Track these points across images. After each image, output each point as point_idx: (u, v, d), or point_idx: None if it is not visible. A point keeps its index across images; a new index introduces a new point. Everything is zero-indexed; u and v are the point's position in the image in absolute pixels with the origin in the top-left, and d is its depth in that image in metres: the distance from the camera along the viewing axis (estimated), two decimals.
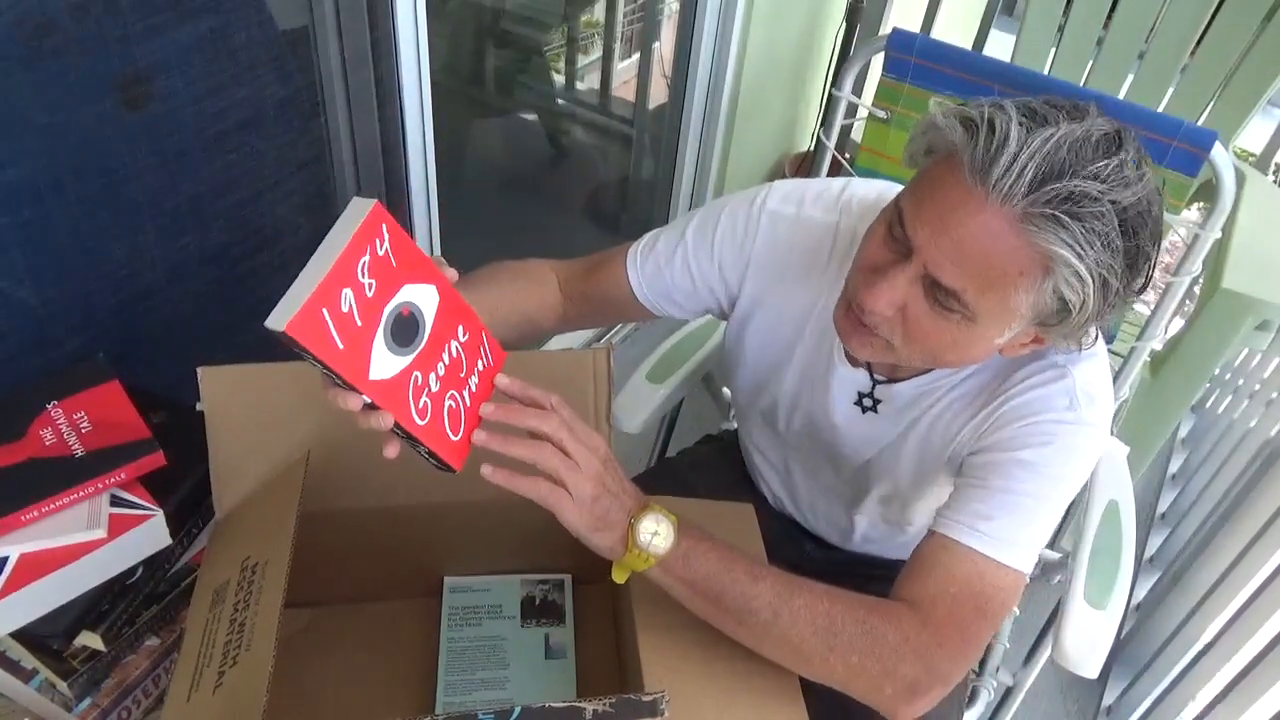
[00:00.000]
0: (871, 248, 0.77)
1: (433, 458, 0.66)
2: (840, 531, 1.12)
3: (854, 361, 0.91)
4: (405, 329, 0.63)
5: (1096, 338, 0.82)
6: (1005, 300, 0.71)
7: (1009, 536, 0.78)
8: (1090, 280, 0.68)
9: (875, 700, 0.74)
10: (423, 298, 0.65)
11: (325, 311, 0.56)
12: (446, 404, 0.67)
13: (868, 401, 0.93)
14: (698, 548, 0.73)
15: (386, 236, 0.61)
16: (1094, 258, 0.67)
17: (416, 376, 0.64)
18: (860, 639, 0.73)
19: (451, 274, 0.69)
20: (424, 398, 0.65)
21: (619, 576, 0.74)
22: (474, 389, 0.70)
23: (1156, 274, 0.76)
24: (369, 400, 0.61)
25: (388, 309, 0.62)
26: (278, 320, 0.53)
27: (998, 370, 0.85)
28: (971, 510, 0.79)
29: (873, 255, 0.77)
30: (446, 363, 0.67)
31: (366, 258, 0.59)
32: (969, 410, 0.87)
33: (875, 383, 0.92)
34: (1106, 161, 0.66)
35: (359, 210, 0.59)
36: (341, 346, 0.58)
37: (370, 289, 0.60)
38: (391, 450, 0.65)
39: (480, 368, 0.71)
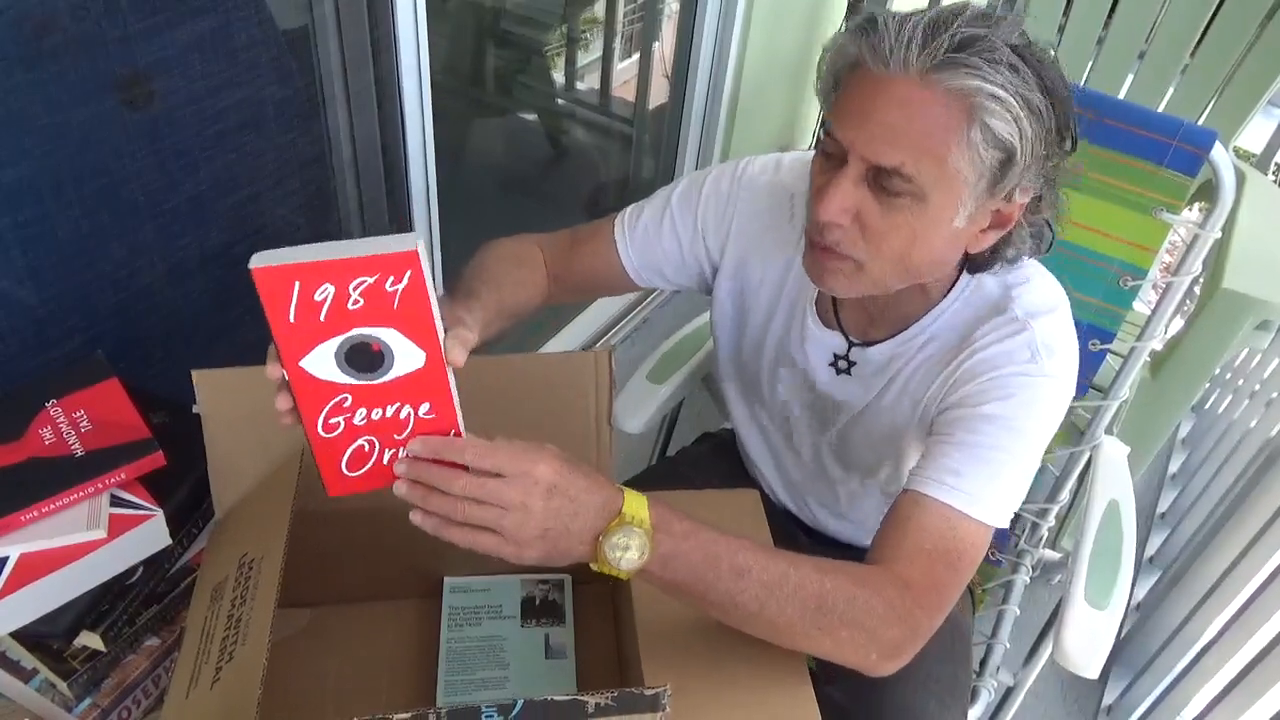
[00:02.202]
0: (814, 176, 0.81)
1: (315, 469, 0.66)
2: (834, 513, 1.13)
3: (827, 322, 0.95)
4: (364, 359, 0.62)
5: (1052, 243, 0.86)
6: (943, 165, 0.73)
7: (977, 490, 0.79)
8: (1014, 101, 0.71)
9: (859, 664, 0.74)
10: (402, 350, 0.62)
11: (297, 284, 0.58)
12: (358, 442, 0.65)
13: (842, 364, 0.96)
14: (677, 550, 0.68)
15: (405, 281, 0.60)
16: (1005, 79, 0.70)
17: (345, 399, 0.63)
18: (847, 612, 0.72)
19: (459, 357, 0.65)
20: (339, 419, 0.64)
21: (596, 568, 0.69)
22: (395, 457, 0.67)
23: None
24: (286, 378, 0.61)
25: (358, 331, 0.61)
26: (258, 260, 0.57)
27: (962, 328, 0.88)
28: (940, 465, 0.81)
29: (815, 178, 0.80)
30: (387, 416, 0.64)
31: (370, 280, 0.59)
32: (936, 368, 0.89)
33: (850, 344, 0.94)
34: (984, 14, 0.73)
35: (401, 243, 0.59)
36: (292, 320, 0.59)
37: (353, 304, 0.60)
38: (284, 412, 0.64)
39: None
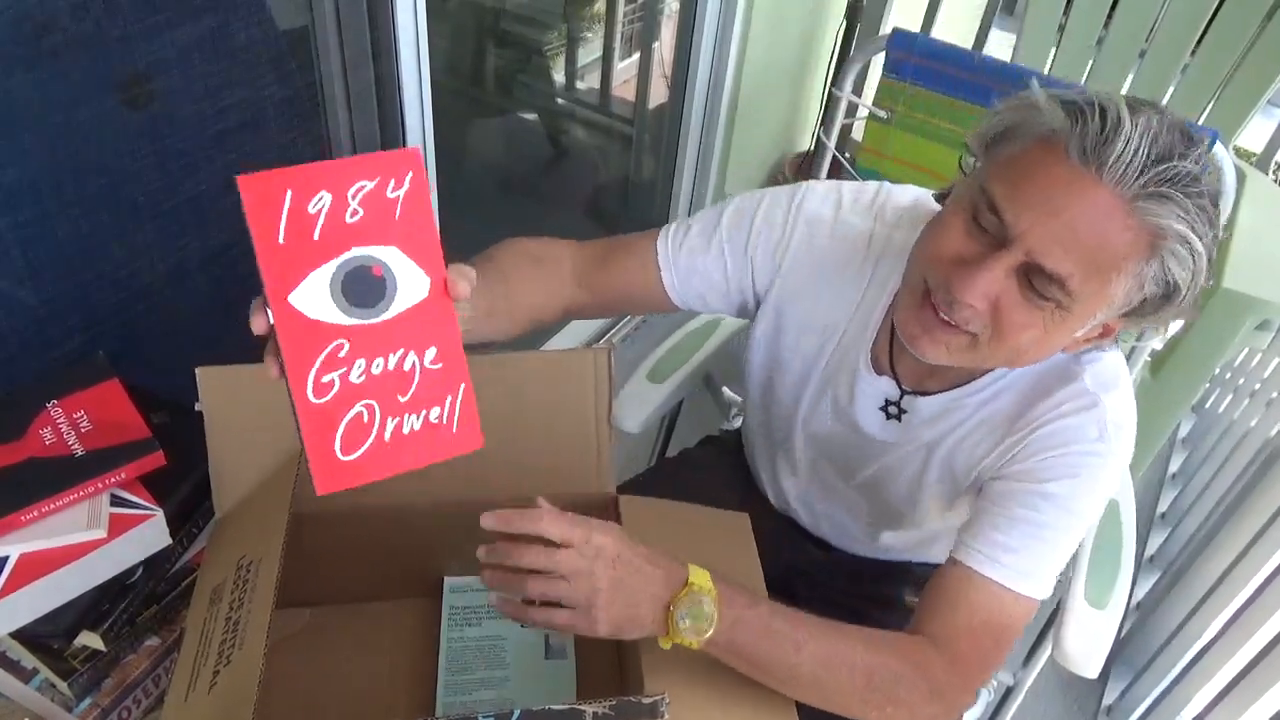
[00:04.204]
0: (953, 239, 0.74)
1: (302, 455, 0.57)
2: (848, 536, 1.12)
3: (879, 368, 0.91)
4: (364, 288, 0.55)
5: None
6: (1106, 286, 0.70)
7: (1029, 568, 0.80)
8: (1201, 250, 0.68)
9: None
10: (406, 275, 0.56)
11: (289, 193, 0.51)
12: (356, 409, 0.56)
13: (893, 409, 0.92)
14: (741, 620, 0.71)
15: (406, 184, 0.54)
16: (1202, 229, 0.67)
17: (341, 345, 0.55)
18: (894, 691, 0.75)
19: (463, 289, 0.60)
20: (334, 375, 0.55)
21: (664, 644, 0.72)
22: (402, 431, 0.58)
23: None
24: (272, 324, 0.53)
25: (356, 251, 0.54)
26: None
27: (1027, 392, 0.84)
28: (993, 540, 0.80)
29: (957, 247, 0.74)
30: (389, 369, 0.56)
31: (370, 185, 0.53)
32: (995, 434, 0.86)
33: (903, 393, 0.91)
34: (1196, 149, 0.68)
35: (401, 154, 0.54)
36: (282, 241, 0.52)
37: (352, 215, 0.53)
38: (273, 369, 0.56)
39: (430, 417, 0.59)
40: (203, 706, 0.64)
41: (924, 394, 0.90)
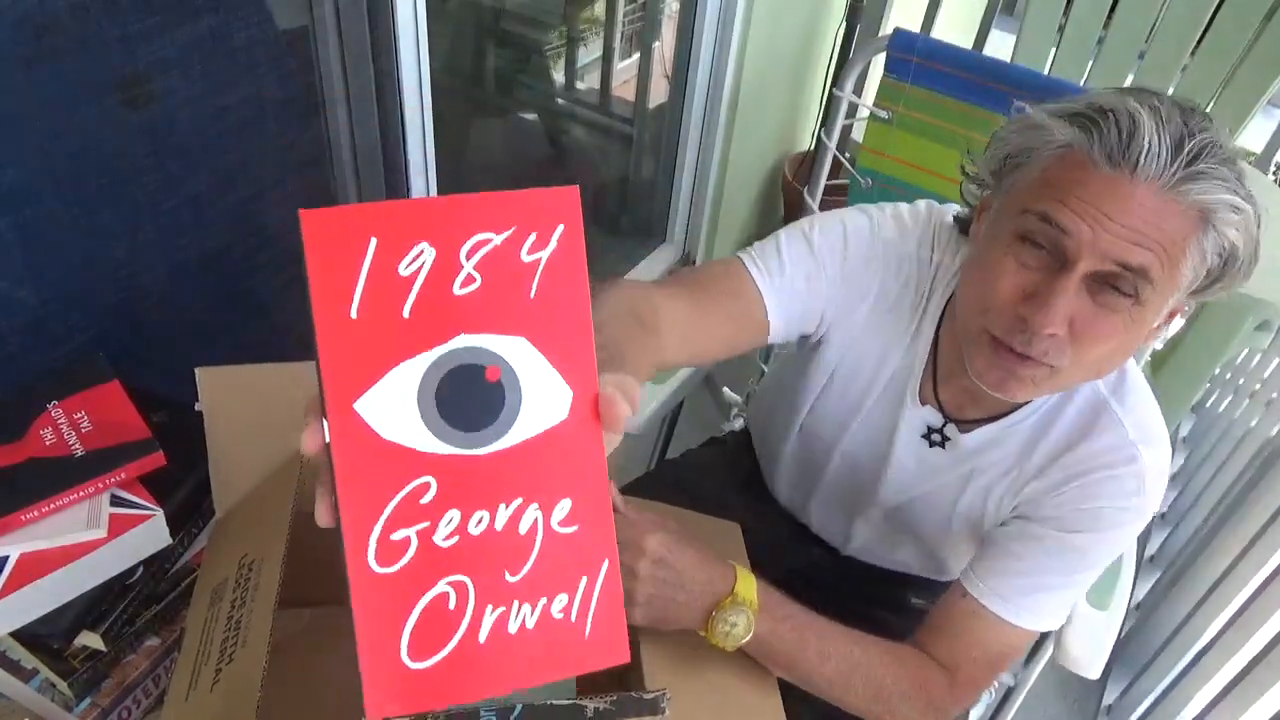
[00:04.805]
0: (1009, 280, 0.73)
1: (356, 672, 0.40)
2: (865, 550, 1.11)
3: (924, 398, 0.91)
4: (470, 398, 0.37)
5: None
6: (1177, 271, 0.71)
7: (1041, 609, 0.82)
8: (1248, 208, 0.69)
9: None
10: (537, 384, 0.37)
11: (373, 243, 0.35)
12: (439, 588, 0.38)
13: (936, 437, 0.92)
14: (775, 631, 0.76)
15: (554, 242, 0.37)
16: (1238, 186, 0.69)
17: (427, 485, 0.37)
18: (896, 704, 0.80)
19: (623, 414, 0.40)
20: (409, 532, 0.37)
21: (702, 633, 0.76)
22: (508, 629, 0.40)
23: None
24: (328, 443, 0.36)
25: (465, 341, 0.36)
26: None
27: (1067, 430, 0.84)
28: (1010, 584, 0.82)
29: (1017, 284, 0.73)
30: (496, 529, 0.38)
31: (497, 240, 0.36)
32: (1030, 474, 0.86)
33: (946, 420, 0.90)
34: (1200, 117, 0.69)
35: (551, 194, 0.37)
36: (354, 316, 0.35)
37: (465, 285, 0.36)
38: (325, 513, 0.39)
39: (553, 610, 0.40)
40: (205, 704, 0.64)
41: (965, 421, 0.89)
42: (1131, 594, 1.51)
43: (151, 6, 1.04)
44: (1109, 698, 1.70)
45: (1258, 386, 2.01)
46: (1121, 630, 1.04)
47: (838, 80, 1.46)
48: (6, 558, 0.74)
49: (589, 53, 2.33)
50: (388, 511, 0.37)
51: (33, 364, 1.08)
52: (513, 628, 0.39)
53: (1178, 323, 0.79)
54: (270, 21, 1.19)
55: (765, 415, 1.14)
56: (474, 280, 0.36)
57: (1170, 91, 2.12)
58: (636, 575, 0.71)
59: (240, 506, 0.82)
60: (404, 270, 0.35)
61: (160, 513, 0.80)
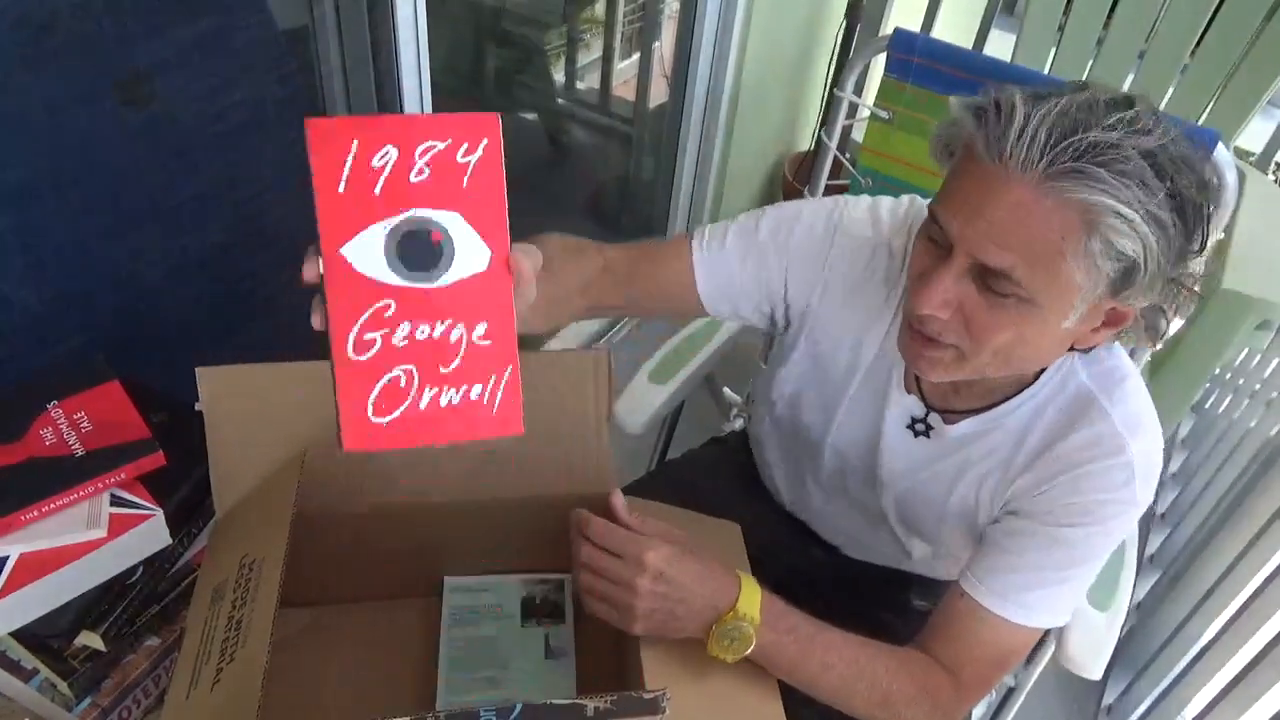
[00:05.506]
0: (916, 259, 0.77)
1: (337, 422, 0.54)
2: (868, 549, 1.11)
3: (908, 387, 0.91)
4: (419, 251, 0.53)
5: (1164, 334, 0.78)
6: (1056, 273, 0.68)
7: (1041, 606, 0.82)
8: (1139, 218, 0.64)
9: None
10: (466, 245, 0.54)
11: (355, 143, 0.51)
12: (395, 372, 0.54)
13: (920, 426, 0.92)
14: (778, 643, 0.77)
15: (480, 151, 0.53)
16: (1131, 195, 0.64)
17: (388, 305, 0.53)
18: (902, 709, 0.80)
19: (527, 267, 0.57)
20: (376, 334, 0.53)
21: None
22: (439, 403, 0.56)
23: None
24: (322, 274, 0.52)
25: (417, 212, 0.53)
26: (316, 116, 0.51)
27: (1054, 424, 0.84)
28: (1006, 580, 0.82)
29: (918, 264, 0.76)
30: (434, 337, 0.54)
31: (440, 146, 0.52)
32: (1018, 470, 0.86)
33: (928, 410, 0.91)
34: (1120, 115, 0.65)
35: (479, 118, 0.53)
36: (342, 190, 0.51)
37: (417, 174, 0.52)
38: (317, 320, 0.55)
39: (470, 394, 0.56)
40: (205, 704, 0.64)
41: (950, 412, 0.89)
42: (1131, 594, 1.51)
43: (151, 6, 1.04)
44: (1109, 698, 1.70)
45: (1258, 386, 2.01)
46: (1121, 630, 1.04)
47: (838, 80, 1.46)
48: (6, 558, 0.74)
49: (589, 53, 2.33)
50: (361, 320, 0.53)
51: (33, 364, 1.08)
52: (443, 402, 0.55)
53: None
54: (270, 21, 1.20)
55: (758, 411, 1.14)
56: (424, 172, 0.52)
57: (1170, 92, 2.11)
58: (636, 591, 0.73)
59: (240, 506, 0.82)
60: (375, 163, 0.51)
61: (160, 513, 0.80)
